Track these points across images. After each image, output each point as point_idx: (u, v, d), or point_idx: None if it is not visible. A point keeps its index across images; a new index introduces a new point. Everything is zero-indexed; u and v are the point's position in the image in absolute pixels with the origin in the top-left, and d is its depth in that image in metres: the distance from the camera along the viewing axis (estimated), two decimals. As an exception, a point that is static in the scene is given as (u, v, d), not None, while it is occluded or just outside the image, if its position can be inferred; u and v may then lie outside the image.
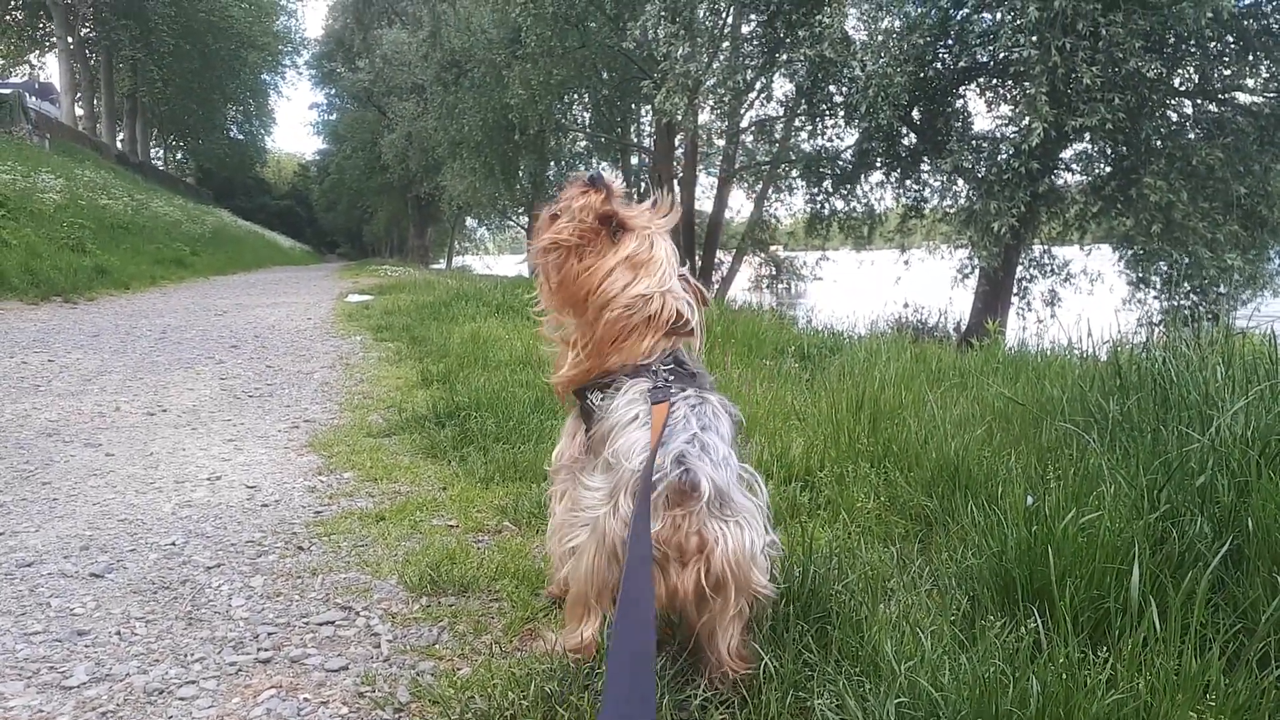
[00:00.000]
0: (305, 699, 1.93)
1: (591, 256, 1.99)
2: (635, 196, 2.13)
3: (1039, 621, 1.80)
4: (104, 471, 3.76)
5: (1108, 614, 1.91)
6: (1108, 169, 14.83)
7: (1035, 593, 2.00)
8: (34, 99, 32.02)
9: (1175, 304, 13.41)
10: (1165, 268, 13.79)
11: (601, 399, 1.97)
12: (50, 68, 42.52)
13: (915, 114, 15.85)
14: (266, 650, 2.15)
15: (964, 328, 15.63)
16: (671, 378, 1.93)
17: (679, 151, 22.74)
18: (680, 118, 15.86)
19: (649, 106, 20.81)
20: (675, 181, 22.03)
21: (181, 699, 1.93)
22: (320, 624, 2.30)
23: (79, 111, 35.65)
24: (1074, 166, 15.44)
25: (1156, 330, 9.89)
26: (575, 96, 25.58)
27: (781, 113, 21.09)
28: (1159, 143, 13.18)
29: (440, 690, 1.91)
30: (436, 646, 2.17)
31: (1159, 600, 1.80)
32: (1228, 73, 13.26)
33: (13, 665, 2.07)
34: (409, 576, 2.54)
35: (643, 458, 1.71)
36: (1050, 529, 2.08)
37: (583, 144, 28.68)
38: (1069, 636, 1.71)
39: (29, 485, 3.54)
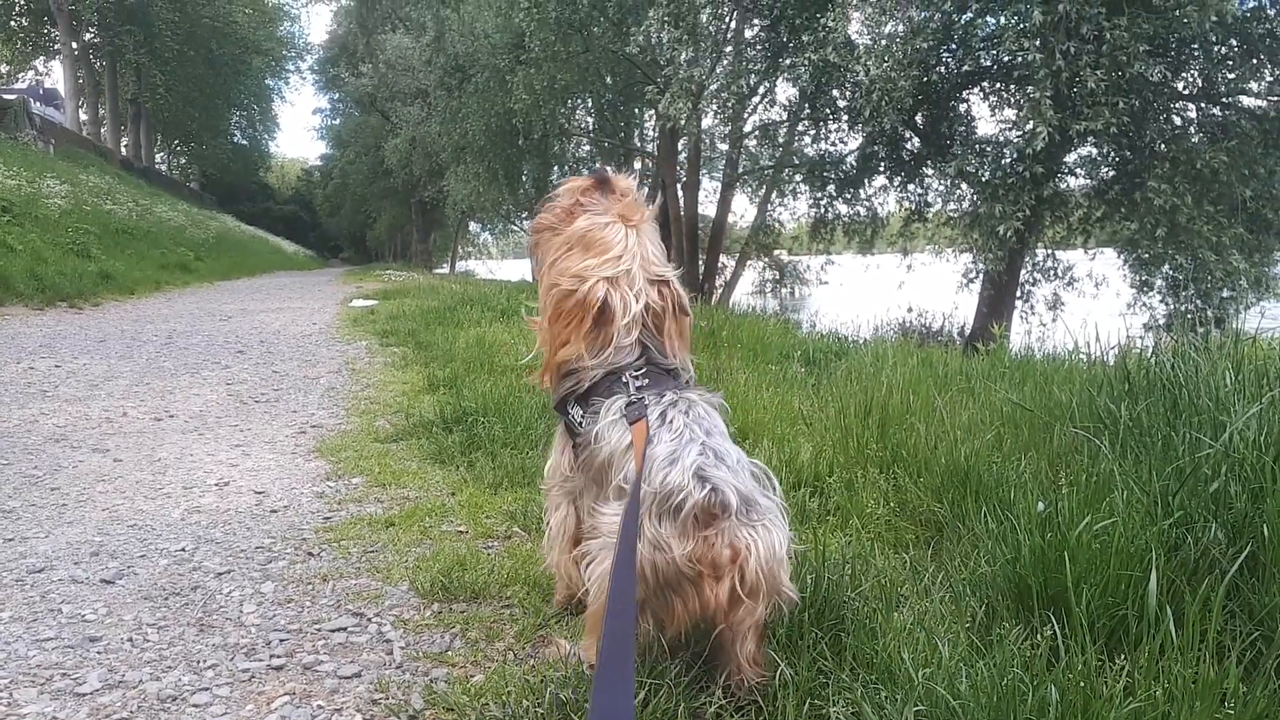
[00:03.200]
0: (319, 706, 1.93)
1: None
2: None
3: (1055, 629, 1.79)
4: (112, 477, 3.77)
5: (1124, 621, 1.90)
6: (1112, 173, 14.79)
7: (1050, 599, 1.99)
8: (38, 104, 32.14)
9: (1179, 308, 13.37)
10: (1170, 271, 13.75)
11: (582, 416, 1.97)
12: (55, 73, 42.70)
13: (919, 118, 15.82)
14: (279, 657, 2.15)
15: (969, 332, 15.61)
16: (646, 381, 1.91)
17: (682, 156, 22.74)
18: (684, 122, 15.89)
19: (652, 111, 20.84)
20: (679, 186, 22.07)
21: (195, 706, 1.93)
22: (332, 630, 2.30)
23: (83, 117, 35.79)
24: (1078, 170, 15.42)
25: (1164, 335, 9.86)
26: (579, 101, 25.63)
27: (785, 117, 21.06)
28: (1163, 146, 13.13)
29: (454, 697, 1.90)
30: (449, 653, 2.16)
31: (1175, 607, 1.79)
32: (1232, 76, 13.20)
33: (25, 672, 2.07)
34: (420, 583, 2.54)
35: (662, 475, 1.69)
36: (1064, 535, 2.06)
37: (586, 148, 28.73)
38: (1086, 644, 1.70)
39: (38, 491, 3.54)
